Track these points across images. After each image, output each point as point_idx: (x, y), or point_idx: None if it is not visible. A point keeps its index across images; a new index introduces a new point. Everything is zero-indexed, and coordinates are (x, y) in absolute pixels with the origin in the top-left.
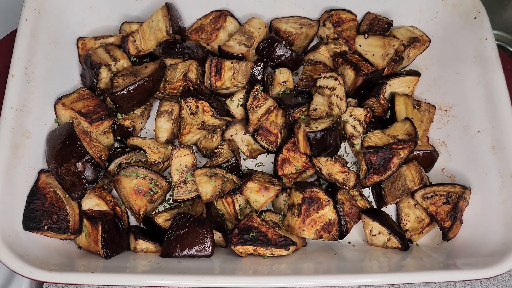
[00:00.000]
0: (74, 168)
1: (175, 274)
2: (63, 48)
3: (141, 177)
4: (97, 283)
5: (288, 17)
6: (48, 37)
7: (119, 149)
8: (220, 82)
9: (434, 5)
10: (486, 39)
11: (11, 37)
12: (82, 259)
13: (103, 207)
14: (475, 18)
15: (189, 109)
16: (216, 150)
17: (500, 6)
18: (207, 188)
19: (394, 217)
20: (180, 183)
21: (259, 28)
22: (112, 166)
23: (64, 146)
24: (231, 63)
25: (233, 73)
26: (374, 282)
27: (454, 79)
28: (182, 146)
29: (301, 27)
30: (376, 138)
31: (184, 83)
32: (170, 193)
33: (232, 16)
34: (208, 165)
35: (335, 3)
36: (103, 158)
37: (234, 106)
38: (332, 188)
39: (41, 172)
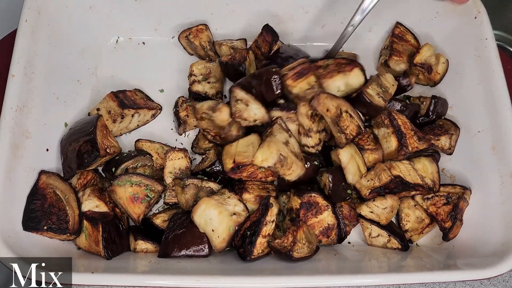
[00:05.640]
0: (76, 145)
1: (175, 275)
2: (63, 48)
3: (136, 184)
4: (97, 283)
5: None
6: (48, 37)
7: (125, 154)
8: (294, 83)
9: (434, 5)
10: (486, 39)
11: (11, 37)
12: (82, 260)
13: (103, 208)
14: (475, 18)
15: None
16: (203, 156)
17: (500, 6)
18: (181, 199)
19: (394, 218)
20: (172, 186)
21: (393, 85)
22: (118, 171)
23: (80, 129)
24: (315, 81)
25: (308, 89)
26: (374, 282)
27: (454, 79)
28: (176, 149)
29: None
30: (405, 169)
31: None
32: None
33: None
34: (196, 169)
35: (333, 3)
36: (108, 151)
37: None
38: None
39: (41, 172)
